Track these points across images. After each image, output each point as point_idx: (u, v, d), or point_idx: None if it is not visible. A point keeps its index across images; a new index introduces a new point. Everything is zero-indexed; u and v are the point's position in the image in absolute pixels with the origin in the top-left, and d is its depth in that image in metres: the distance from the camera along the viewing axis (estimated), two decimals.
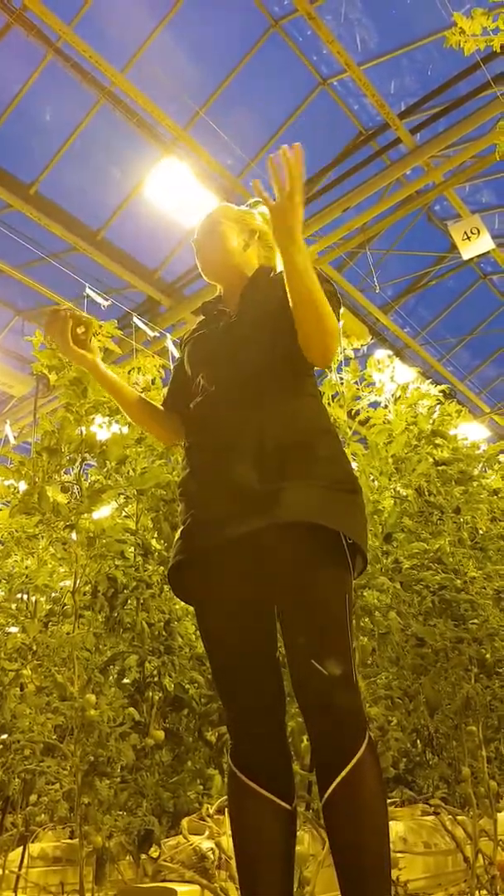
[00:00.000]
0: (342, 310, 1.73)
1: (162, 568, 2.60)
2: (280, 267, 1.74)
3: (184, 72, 6.64)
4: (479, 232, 6.54)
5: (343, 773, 1.31)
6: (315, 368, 1.62)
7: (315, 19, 5.84)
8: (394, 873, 2.23)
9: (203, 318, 1.77)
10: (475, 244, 6.61)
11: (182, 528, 1.52)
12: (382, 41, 6.56)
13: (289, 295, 1.46)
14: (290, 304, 1.47)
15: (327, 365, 1.57)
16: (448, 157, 6.98)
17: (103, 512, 2.56)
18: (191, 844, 2.01)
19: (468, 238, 6.58)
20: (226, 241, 1.72)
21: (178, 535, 1.54)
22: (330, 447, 1.51)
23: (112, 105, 6.31)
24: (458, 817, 2.78)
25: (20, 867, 2.61)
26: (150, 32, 6.07)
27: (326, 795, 1.33)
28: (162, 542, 2.63)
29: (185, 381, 1.69)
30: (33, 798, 2.61)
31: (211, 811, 2.18)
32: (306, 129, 7.15)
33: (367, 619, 2.59)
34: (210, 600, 1.52)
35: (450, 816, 2.79)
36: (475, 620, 2.62)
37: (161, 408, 1.77)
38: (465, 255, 6.95)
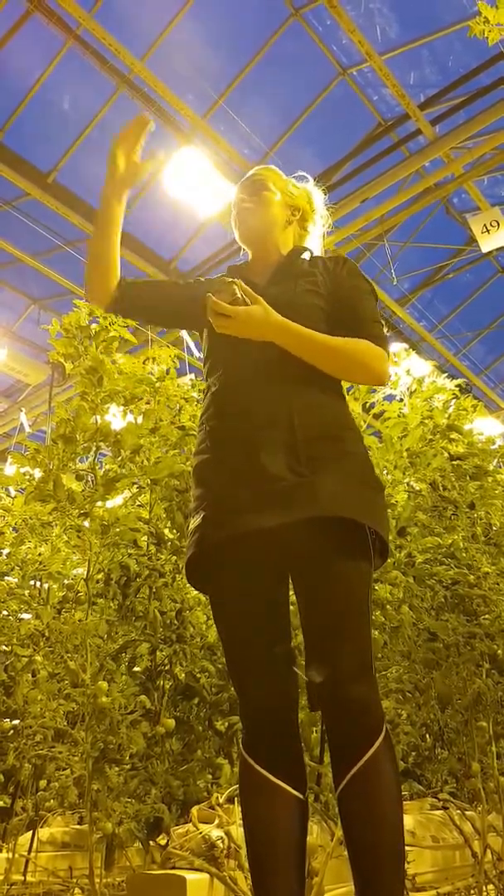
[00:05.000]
0: None
1: (175, 557, 2.60)
2: (316, 250, 1.72)
3: (203, 60, 6.61)
4: (498, 225, 6.47)
5: (359, 765, 1.31)
6: None
7: (336, 8, 5.78)
8: None
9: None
10: (494, 237, 6.55)
11: (203, 515, 1.46)
12: (403, 31, 6.50)
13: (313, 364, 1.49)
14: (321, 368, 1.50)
15: (384, 384, 1.57)
16: (468, 149, 6.90)
17: (117, 501, 2.57)
18: (200, 833, 2.02)
19: (487, 231, 6.52)
20: (271, 210, 1.67)
21: (196, 522, 1.47)
22: (357, 443, 1.51)
23: (130, 93, 6.30)
24: (467, 812, 2.77)
25: (29, 851, 2.64)
26: (170, 20, 6.03)
27: (342, 786, 1.33)
28: (175, 531, 2.63)
29: (175, 298, 1.65)
30: (43, 783, 2.64)
31: (221, 800, 2.19)
32: (325, 118, 7.11)
33: (378, 613, 2.59)
34: (228, 591, 1.49)
35: (458, 811, 2.78)
36: (488, 616, 2.61)
37: (118, 274, 1.64)
38: (485, 248, 6.88)
